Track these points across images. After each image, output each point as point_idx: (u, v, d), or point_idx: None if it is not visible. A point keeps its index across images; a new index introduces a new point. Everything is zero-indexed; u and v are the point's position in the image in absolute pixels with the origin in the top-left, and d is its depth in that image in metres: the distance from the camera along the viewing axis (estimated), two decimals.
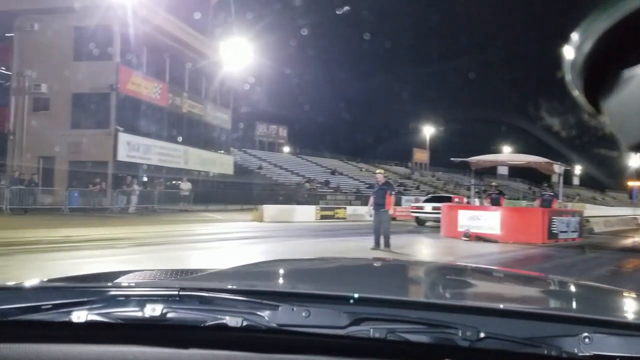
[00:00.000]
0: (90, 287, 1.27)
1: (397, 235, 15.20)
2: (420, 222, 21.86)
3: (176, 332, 1.10)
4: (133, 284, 1.34)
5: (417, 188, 51.80)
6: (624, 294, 1.72)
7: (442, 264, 4.29)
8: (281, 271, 2.03)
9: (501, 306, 1.27)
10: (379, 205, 11.42)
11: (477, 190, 25.50)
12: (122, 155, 26.16)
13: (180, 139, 31.73)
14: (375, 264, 2.66)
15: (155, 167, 29.28)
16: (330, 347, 1.05)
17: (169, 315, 1.11)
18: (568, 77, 0.75)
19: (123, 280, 1.46)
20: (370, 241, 11.40)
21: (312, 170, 50.89)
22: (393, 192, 11.86)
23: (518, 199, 42.31)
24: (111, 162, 25.72)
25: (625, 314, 1.45)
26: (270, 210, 21.27)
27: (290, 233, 16.06)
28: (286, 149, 58.14)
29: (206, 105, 35.22)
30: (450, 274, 2.16)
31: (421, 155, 69.76)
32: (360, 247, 11.72)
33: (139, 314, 1.11)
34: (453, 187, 58.07)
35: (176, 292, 1.15)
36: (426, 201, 23.13)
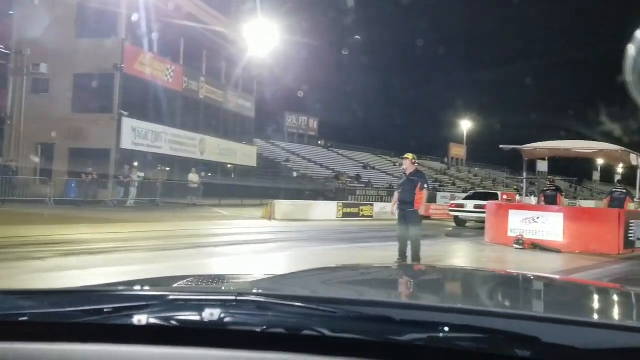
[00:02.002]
0: (149, 292, 1.34)
1: (432, 240, 12.31)
2: (459, 222, 18.97)
3: (234, 335, 1.09)
4: (191, 289, 1.49)
5: (454, 184, 49.29)
6: None
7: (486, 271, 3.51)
8: (337, 277, 1.97)
9: (556, 315, 1.18)
10: (406, 204, 8.33)
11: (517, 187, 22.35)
12: (126, 143, 23.74)
13: (195, 126, 29.14)
14: (427, 270, 2.66)
15: (166, 156, 26.80)
16: (381, 353, 1.04)
17: (227, 319, 1.11)
18: (629, 77, 0.60)
19: (181, 285, 1.55)
20: (396, 250, 8.44)
21: (342, 164, 48.48)
22: (426, 186, 8.54)
23: None
24: (114, 149, 23.30)
25: None
26: (282, 206, 18.33)
27: (300, 235, 13.13)
28: (317, 142, 55.21)
29: (227, 92, 32.71)
30: (498, 280, 2.07)
31: (458, 150, 66.92)
32: (385, 259, 8.74)
33: (197, 318, 1.11)
34: (491, 183, 55.44)
35: (233, 298, 1.15)
36: (467, 198, 20.10)
